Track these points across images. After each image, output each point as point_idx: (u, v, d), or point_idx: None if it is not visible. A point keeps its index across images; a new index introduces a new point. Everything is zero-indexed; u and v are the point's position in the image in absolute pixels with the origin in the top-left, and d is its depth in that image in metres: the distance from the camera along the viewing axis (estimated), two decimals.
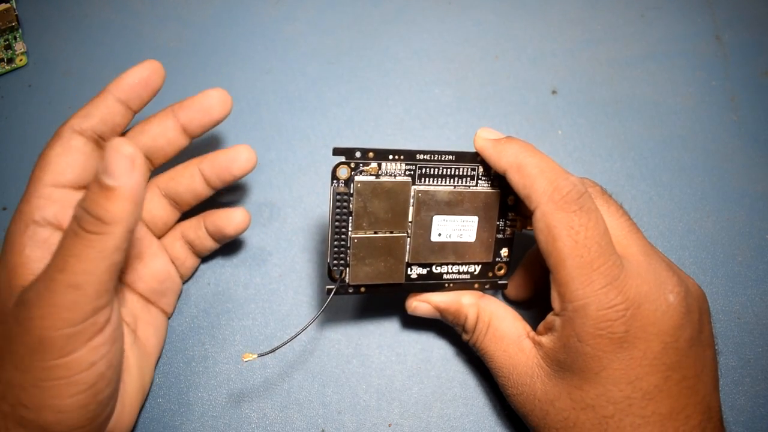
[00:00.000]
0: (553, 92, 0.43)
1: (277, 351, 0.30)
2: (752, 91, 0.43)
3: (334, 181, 0.29)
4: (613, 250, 0.27)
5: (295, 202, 0.38)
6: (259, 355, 0.29)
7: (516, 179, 0.28)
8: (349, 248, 0.30)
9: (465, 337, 0.32)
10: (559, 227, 0.26)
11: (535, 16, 0.45)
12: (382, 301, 0.36)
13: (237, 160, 0.33)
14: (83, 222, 0.23)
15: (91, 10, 0.45)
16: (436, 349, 0.35)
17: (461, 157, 0.31)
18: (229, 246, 0.37)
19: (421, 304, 0.32)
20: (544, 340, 0.28)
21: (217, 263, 0.37)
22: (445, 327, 0.35)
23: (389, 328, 0.35)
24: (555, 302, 0.27)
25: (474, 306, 0.31)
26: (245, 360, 0.29)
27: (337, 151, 0.29)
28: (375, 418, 0.33)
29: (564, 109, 0.42)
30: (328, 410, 0.33)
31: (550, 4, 0.46)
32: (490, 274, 0.33)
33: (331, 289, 0.30)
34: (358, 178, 0.29)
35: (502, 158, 0.29)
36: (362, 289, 0.31)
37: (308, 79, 0.43)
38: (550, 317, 0.28)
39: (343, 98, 0.42)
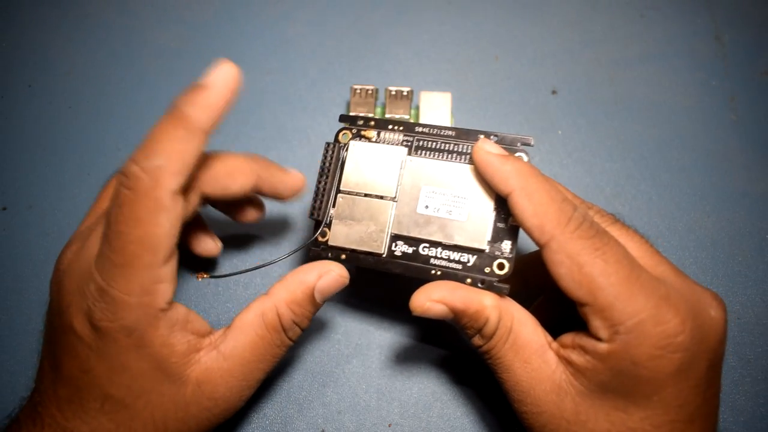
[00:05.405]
0: (553, 92, 0.43)
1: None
2: (752, 91, 0.43)
3: (333, 142, 0.31)
4: (642, 267, 0.25)
5: (295, 202, 0.38)
6: (212, 277, 0.33)
7: (524, 204, 0.26)
8: (333, 206, 0.30)
9: (478, 342, 0.28)
10: (583, 254, 0.25)
11: (534, 17, 0.46)
12: (382, 301, 0.36)
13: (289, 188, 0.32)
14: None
15: (92, 10, 0.45)
16: (436, 349, 0.35)
17: (462, 134, 0.30)
18: (230, 246, 0.37)
19: (434, 304, 0.27)
20: (575, 357, 0.25)
21: (218, 263, 0.37)
22: (445, 325, 0.35)
23: (389, 328, 0.35)
24: (600, 331, 0.25)
25: (496, 309, 0.27)
26: (199, 279, 0.32)
27: (342, 118, 0.32)
28: (375, 418, 0.33)
29: (564, 109, 0.42)
30: (328, 410, 0.33)
31: (549, 5, 0.46)
32: (488, 270, 0.28)
33: (308, 246, 0.30)
34: (353, 141, 0.31)
35: (510, 178, 0.26)
36: (343, 256, 0.30)
37: (308, 79, 0.43)
38: (588, 342, 0.25)
39: (343, 98, 0.42)
